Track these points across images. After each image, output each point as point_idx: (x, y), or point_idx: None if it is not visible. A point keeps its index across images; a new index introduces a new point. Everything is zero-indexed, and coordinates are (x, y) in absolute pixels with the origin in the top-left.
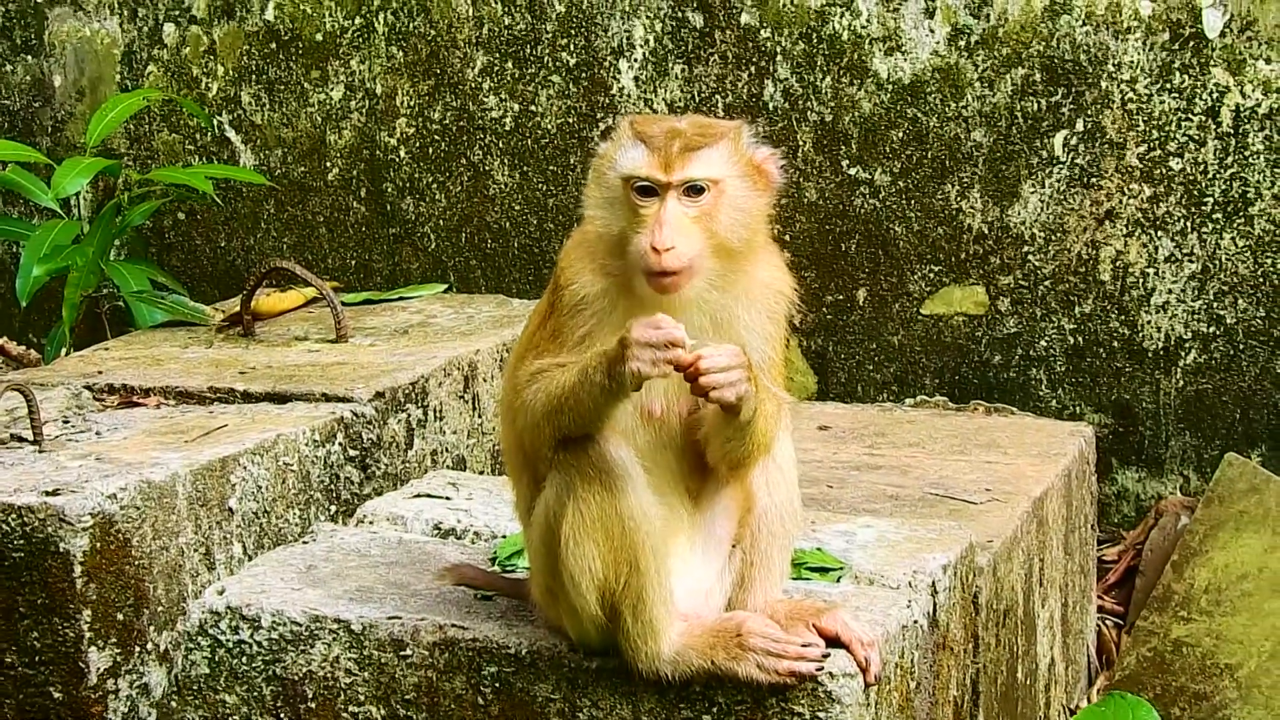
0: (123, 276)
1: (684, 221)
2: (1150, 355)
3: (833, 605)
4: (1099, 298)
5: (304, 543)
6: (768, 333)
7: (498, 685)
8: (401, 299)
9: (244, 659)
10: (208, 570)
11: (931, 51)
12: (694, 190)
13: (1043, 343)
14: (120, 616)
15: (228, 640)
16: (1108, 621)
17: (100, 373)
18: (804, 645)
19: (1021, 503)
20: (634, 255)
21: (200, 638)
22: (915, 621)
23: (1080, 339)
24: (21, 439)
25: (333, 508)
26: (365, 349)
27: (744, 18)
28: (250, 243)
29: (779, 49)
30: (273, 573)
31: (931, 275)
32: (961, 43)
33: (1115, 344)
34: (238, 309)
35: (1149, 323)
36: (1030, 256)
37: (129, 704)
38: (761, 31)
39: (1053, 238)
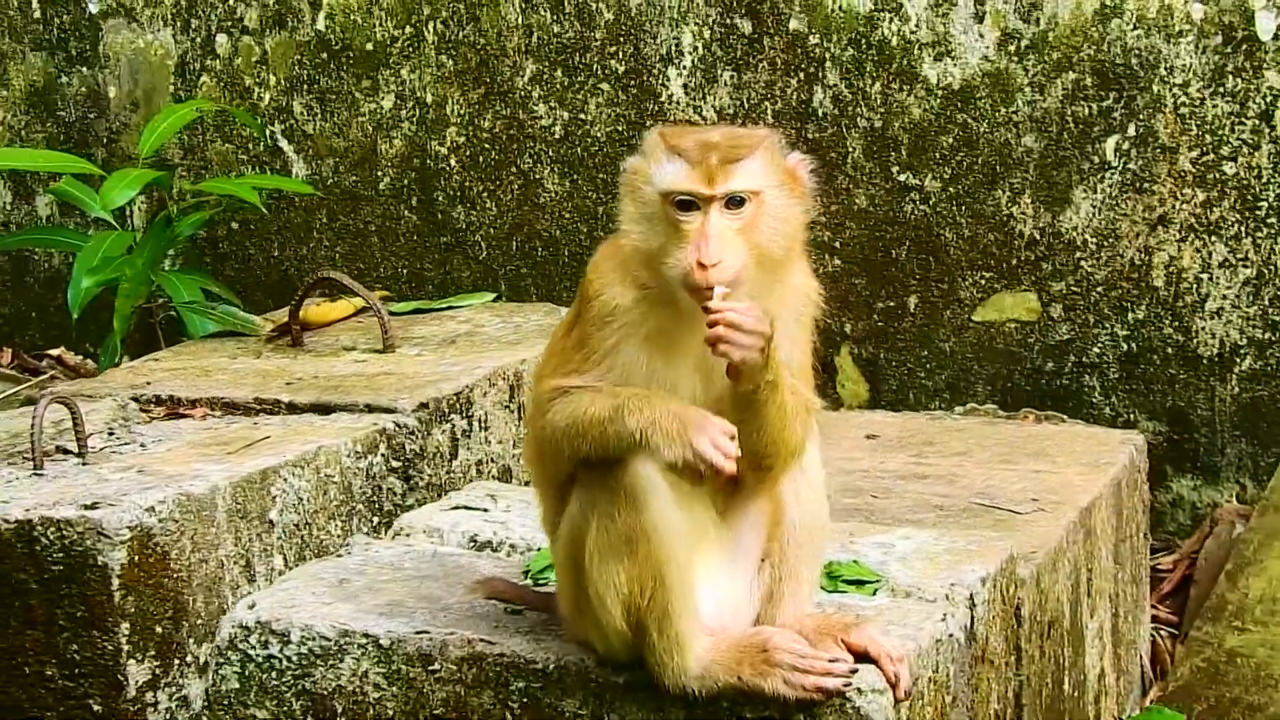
0: (175, 287)
1: (728, 234)
2: (1205, 362)
3: (862, 620)
4: (1152, 304)
5: (338, 556)
6: (795, 336)
7: (525, 700)
8: (450, 308)
9: (274, 674)
10: (248, 582)
11: (981, 56)
12: (735, 202)
13: (1096, 349)
14: (159, 629)
15: (257, 655)
16: (1162, 631)
17: (148, 384)
18: (831, 660)
19: (1068, 513)
20: (676, 269)
21: (230, 652)
22: (950, 635)
23: (1134, 345)
24: (67, 451)
25: (375, 519)
26: (412, 359)
27: (792, 24)
28: (303, 252)
29: (828, 55)
30: (304, 586)
31: (983, 282)
32: (1011, 47)
33: (1169, 350)
34: (287, 319)
35: (1203, 329)
36: (1083, 262)
37: (168, 716)
38: (810, 37)
39: (1105, 243)
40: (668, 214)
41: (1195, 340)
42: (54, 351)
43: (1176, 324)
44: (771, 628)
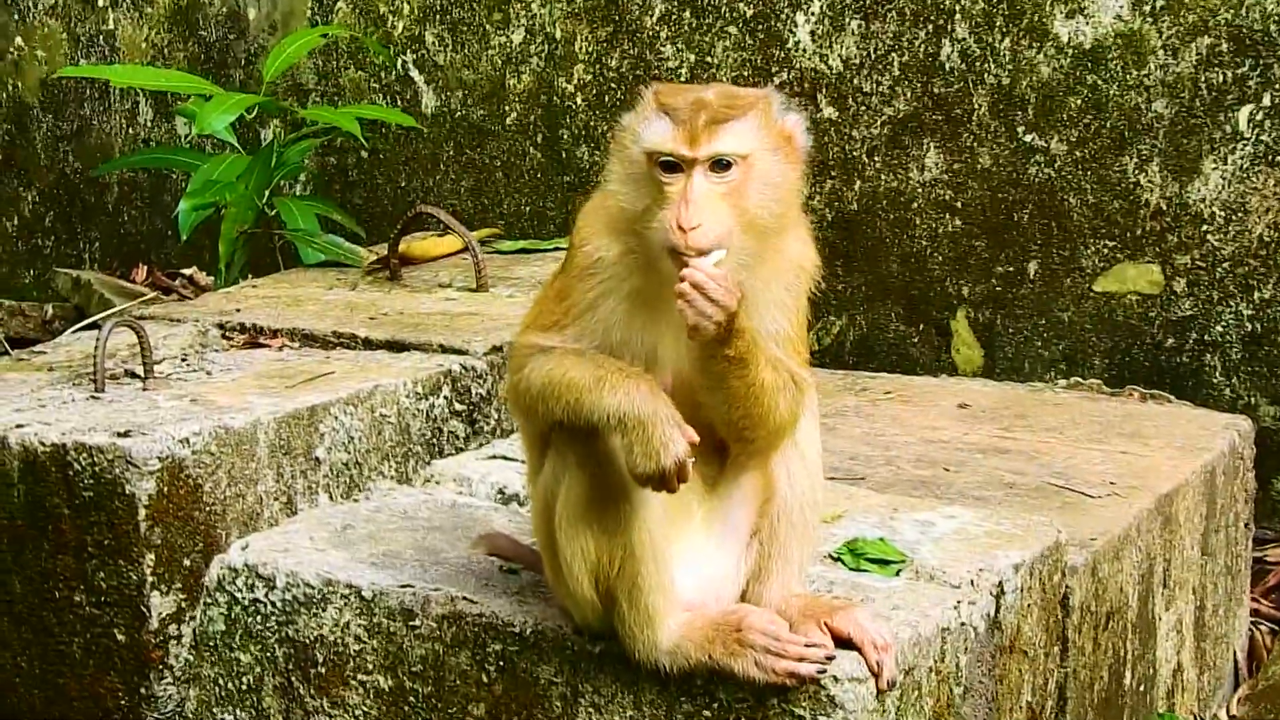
0: (292, 213)
1: (712, 198)
2: None
3: (849, 604)
4: None
5: (354, 501)
6: (786, 306)
7: (501, 664)
8: (557, 249)
9: (258, 618)
10: (290, 520)
11: (1115, 15)
12: (721, 165)
13: (1218, 328)
14: (187, 562)
15: (244, 598)
16: (1262, 626)
17: (238, 310)
18: (807, 645)
19: (1142, 499)
20: (658, 233)
21: (218, 593)
22: (962, 624)
23: (1258, 326)
24: (135, 374)
25: (434, 461)
26: (501, 300)
27: None
28: (429, 184)
29: (958, 7)
30: (305, 531)
31: (1105, 251)
32: (1146, 7)
33: None
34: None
35: None
36: (1209, 236)
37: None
38: None
39: (1233, 217)
40: (653, 175)
41: None
42: (187, 271)
43: None
44: (749, 606)
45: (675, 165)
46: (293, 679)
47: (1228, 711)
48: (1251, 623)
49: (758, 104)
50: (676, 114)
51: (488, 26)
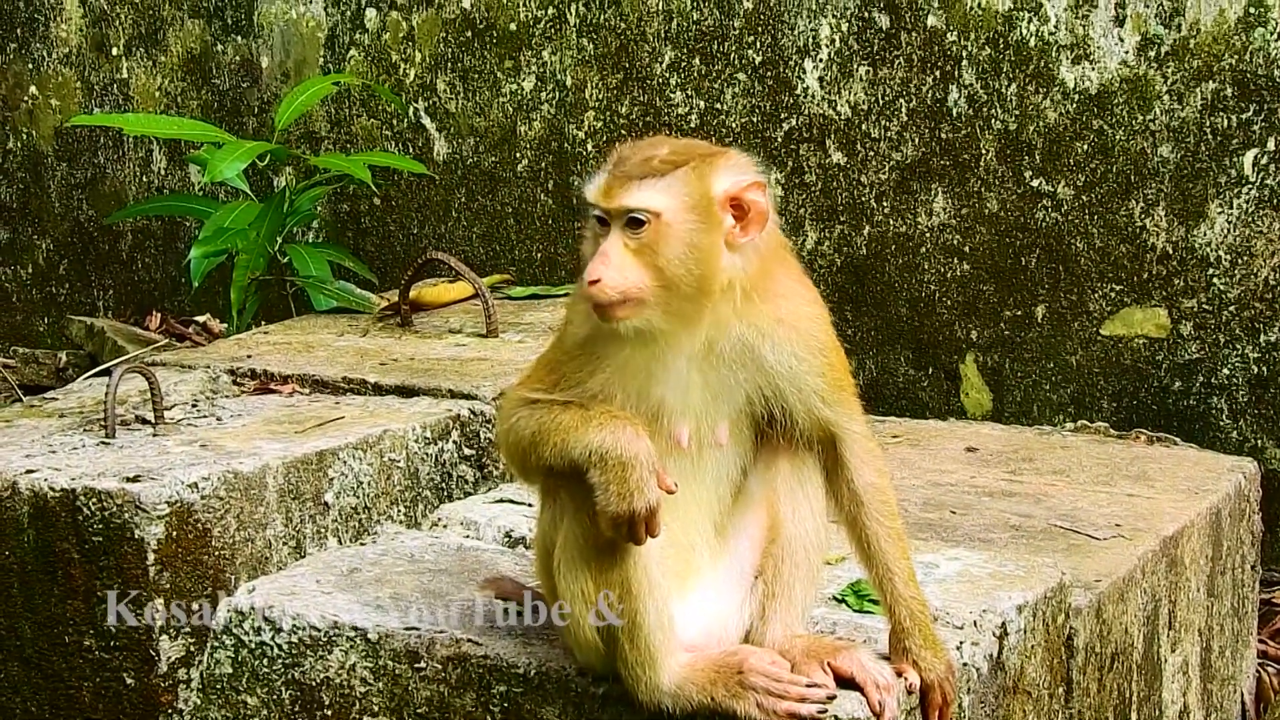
0: (303, 260)
1: (623, 254)
2: None
3: (851, 644)
4: None
5: (361, 544)
6: (810, 363)
7: (506, 705)
8: (568, 294)
9: (265, 661)
10: (296, 563)
11: (1120, 61)
12: (635, 222)
13: (1225, 371)
14: (196, 606)
15: (250, 641)
16: (1269, 668)
17: (249, 356)
18: (809, 685)
19: (1147, 541)
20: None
21: (225, 636)
22: (965, 664)
23: (1265, 369)
24: (146, 420)
25: (442, 505)
26: (511, 345)
27: (930, 20)
28: (441, 230)
29: (965, 53)
30: (312, 574)
31: (1112, 295)
32: (1151, 53)
33: None
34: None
35: None
36: (1215, 279)
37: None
38: (948, 35)
39: (1239, 261)
40: (594, 229)
41: None
42: (200, 318)
43: None
44: (750, 647)
45: (604, 219)
46: None
47: None
48: (1259, 664)
49: (689, 162)
50: (610, 167)
51: (499, 74)
